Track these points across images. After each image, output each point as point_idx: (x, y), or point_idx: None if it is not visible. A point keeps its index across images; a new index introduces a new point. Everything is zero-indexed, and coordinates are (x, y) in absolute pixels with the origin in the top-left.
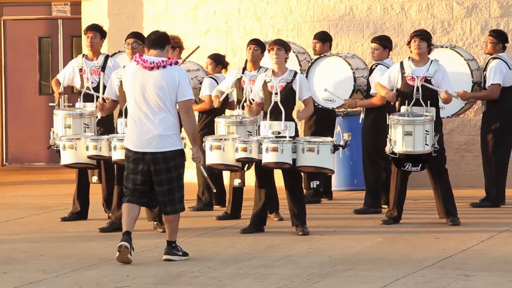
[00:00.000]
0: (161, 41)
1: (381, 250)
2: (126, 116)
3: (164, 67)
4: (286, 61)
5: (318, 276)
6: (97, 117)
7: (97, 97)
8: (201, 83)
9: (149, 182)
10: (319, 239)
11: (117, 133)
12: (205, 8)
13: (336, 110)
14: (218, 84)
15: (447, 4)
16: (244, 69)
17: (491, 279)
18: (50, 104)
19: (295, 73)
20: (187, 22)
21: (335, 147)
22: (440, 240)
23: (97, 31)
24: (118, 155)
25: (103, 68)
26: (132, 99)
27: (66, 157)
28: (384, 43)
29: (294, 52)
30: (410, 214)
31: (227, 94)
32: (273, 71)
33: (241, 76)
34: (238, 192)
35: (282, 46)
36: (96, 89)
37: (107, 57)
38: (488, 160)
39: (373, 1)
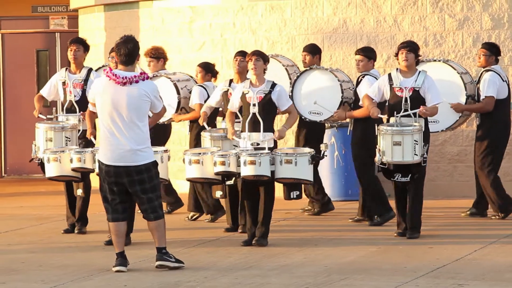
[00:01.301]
0: (130, 57)
1: (376, 259)
2: None
3: (136, 82)
4: (264, 72)
5: (314, 286)
6: (79, 130)
7: (79, 109)
8: (191, 92)
9: (125, 193)
10: (314, 249)
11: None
12: (201, 21)
13: (329, 121)
14: (207, 92)
15: (439, 17)
16: (231, 81)
17: None
18: (40, 115)
19: (273, 84)
20: (183, 35)
21: (313, 158)
22: (434, 249)
23: (81, 44)
24: None
25: (85, 81)
26: (104, 114)
27: (51, 170)
28: (368, 54)
29: (284, 66)
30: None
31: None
32: (251, 82)
33: (228, 89)
34: (234, 203)
35: (260, 57)
36: (79, 102)
37: (90, 70)
38: (481, 172)
39: (366, 14)
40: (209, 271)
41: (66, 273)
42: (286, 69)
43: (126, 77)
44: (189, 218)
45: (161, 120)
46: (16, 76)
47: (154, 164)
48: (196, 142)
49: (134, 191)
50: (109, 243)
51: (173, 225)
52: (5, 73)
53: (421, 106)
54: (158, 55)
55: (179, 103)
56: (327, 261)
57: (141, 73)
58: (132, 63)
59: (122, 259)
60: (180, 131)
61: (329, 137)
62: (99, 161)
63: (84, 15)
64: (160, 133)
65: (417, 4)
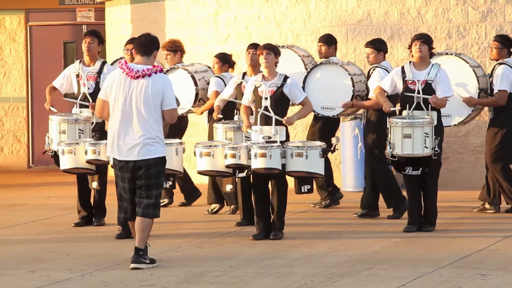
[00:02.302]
0: (149, 47)
1: (399, 250)
2: None
3: (149, 75)
4: (276, 66)
5: (338, 276)
6: (92, 123)
7: (93, 102)
8: (208, 83)
9: (134, 190)
10: (338, 239)
11: None
12: (225, 13)
13: (343, 115)
14: (224, 83)
15: (462, 9)
16: (244, 74)
17: (507, 279)
18: (52, 108)
19: (285, 77)
20: (208, 27)
21: (324, 151)
22: (457, 240)
23: (95, 36)
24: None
25: (99, 73)
26: (116, 107)
27: (65, 162)
28: (377, 46)
29: (300, 56)
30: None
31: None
32: (263, 75)
33: (241, 82)
34: (246, 196)
35: (272, 50)
36: (92, 94)
37: (104, 63)
38: (494, 165)
39: (390, 6)
40: (234, 260)
41: (93, 262)
42: (302, 59)
43: (138, 71)
44: (210, 211)
45: (180, 113)
46: (44, 68)
47: (163, 160)
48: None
49: (140, 185)
50: (120, 236)
51: (194, 217)
52: (32, 64)
53: (432, 95)
54: (175, 48)
55: (197, 94)
56: (351, 252)
57: (154, 66)
58: (149, 54)
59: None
60: (196, 123)
61: (352, 128)
62: (113, 157)
63: (111, 7)
64: (176, 125)
65: None
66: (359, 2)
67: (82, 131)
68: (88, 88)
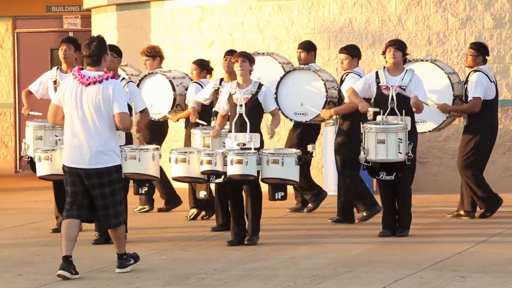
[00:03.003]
0: (97, 56)
1: (380, 252)
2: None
3: (100, 82)
4: (250, 73)
5: (321, 278)
6: None
7: None
8: (186, 89)
9: (86, 192)
10: (321, 242)
11: None
12: (210, 20)
13: (315, 122)
14: (203, 88)
15: (442, 16)
16: (221, 80)
17: (486, 280)
18: (31, 113)
19: (260, 85)
20: (192, 33)
21: (300, 159)
22: (437, 243)
23: (71, 43)
24: None
25: None
26: (69, 114)
27: (42, 169)
28: (352, 52)
29: (280, 63)
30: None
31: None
32: (237, 83)
33: (218, 87)
34: (223, 202)
35: (247, 58)
36: None
37: (82, 69)
38: (465, 172)
39: (371, 14)
40: (218, 263)
41: (80, 266)
42: (282, 66)
43: (90, 77)
44: (188, 217)
45: (157, 118)
46: (31, 74)
47: (117, 168)
48: (190, 140)
49: (94, 195)
50: (97, 242)
51: (179, 221)
52: (20, 71)
53: (414, 95)
54: (154, 54)
55: (174, 99)
56: (333, 254)
57: (106, 72)
58: (98, 64)
59: (66, 263)
60: (181, 129)
61: (334, 133)
62: (63, 164)
63: (97, 14)
64: (156, 131)
65: (421, 4)
66: (341, 10)
67: (59, 137)
68: None
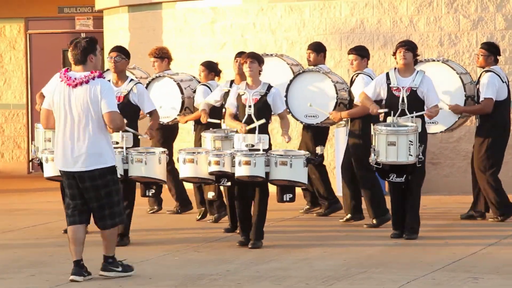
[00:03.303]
0: (82, 56)
1: (393, 253)
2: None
3: (87, 82)
4: (260, 74)
5: (333, 279)
6: None
7: None
8: (194, 91)
9: (83, 195)
10: (333, 244)
11: None
12: (222, 21)
13: (326, 124)
14: (211, 91)
15: (454, 17)
16: (232, 82)
17: (498, 282)
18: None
19: (269, 86)
20: (205, 35)
21: (308, 161)
22: (449, 244)
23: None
24: None
25: None
26: (58, 117)
27: (49, 170)
28: (361, 52)
29: (288, 64)
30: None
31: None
32: (247, 84)
33: (229, 90)
34: (233, 203)
35: (256, 59)
36: None
37: None
38: (481, 175)
39: (383, 14)
40: (231, 264)
41: (93, 266)
42: (291, 68)
43: (76, 78)
44: (198, 217)
45: (166, 121)
46: (43, 75)
47: (111, 169)
48: (201, 141)
49: (88, 198)
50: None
51: (191, 222)
52: (32, 72)
53: (426, 110)
54: (162, 55)
55: (183, 103)
56: (346, 255)
57: (92, 72)
58: (83, 63)
59: (78, 268)
60: (188, 129)
61: (346, 134)
62: (59, 170)
63: (109, 16)
64: (167, 134)
65: (433, 5)
66: (352, 11)
67: None
68: None
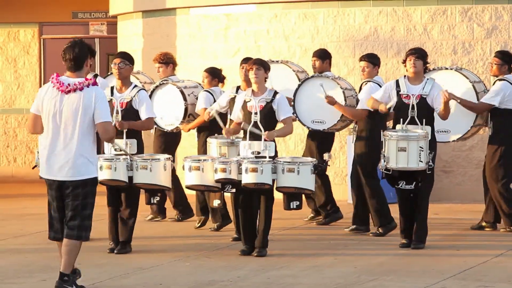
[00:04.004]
0: (78, 62)
1: (404, 261)
2: None
3: (81, 89)
4: (265, 81)
5: (344, 286)
6: None
7: None
8: (197, 98)
9: (63, 208)
10: (343, 251)
11: (104, 153)
12: (235, 27)
13: (333, 130)
14: (213, 97)
15: (468, 26)
16: (238, 88)
17: None
18: None
19: (275, 92)
20: (218, 41)
21: (316, 168)
22: (461, 252)
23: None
24: (104, 175)
25: None
26: (46, 122)
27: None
28: (372, 60)
29: (294, 71)
30: (431, 227)
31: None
32: (252, 90)
33: (235, 96)
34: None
35: (261, 65)
36: None
37: (95, 76)
38: (494, 184)
39: (396, 22)
40: (242, 271)
41: (104, 272)
42: (296, 74)
43: (69, 84)
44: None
45: (169, 129)
46: None
47: (93, 181)
48: (204, 148)
49: (66, 203)
50: (112, 250)
51: (197, 231)
52: (46, 77)
53: (446, 91)
54: (167, 61)
55: (186, 109)
56: (357, 263)
57: (86, 79)
58: (79, 69)
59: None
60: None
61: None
62: (42, 177)
63: (123, 21)
64: (170, 141)
65: (447, 13)
66: (366, 18)
67: None
68: None
